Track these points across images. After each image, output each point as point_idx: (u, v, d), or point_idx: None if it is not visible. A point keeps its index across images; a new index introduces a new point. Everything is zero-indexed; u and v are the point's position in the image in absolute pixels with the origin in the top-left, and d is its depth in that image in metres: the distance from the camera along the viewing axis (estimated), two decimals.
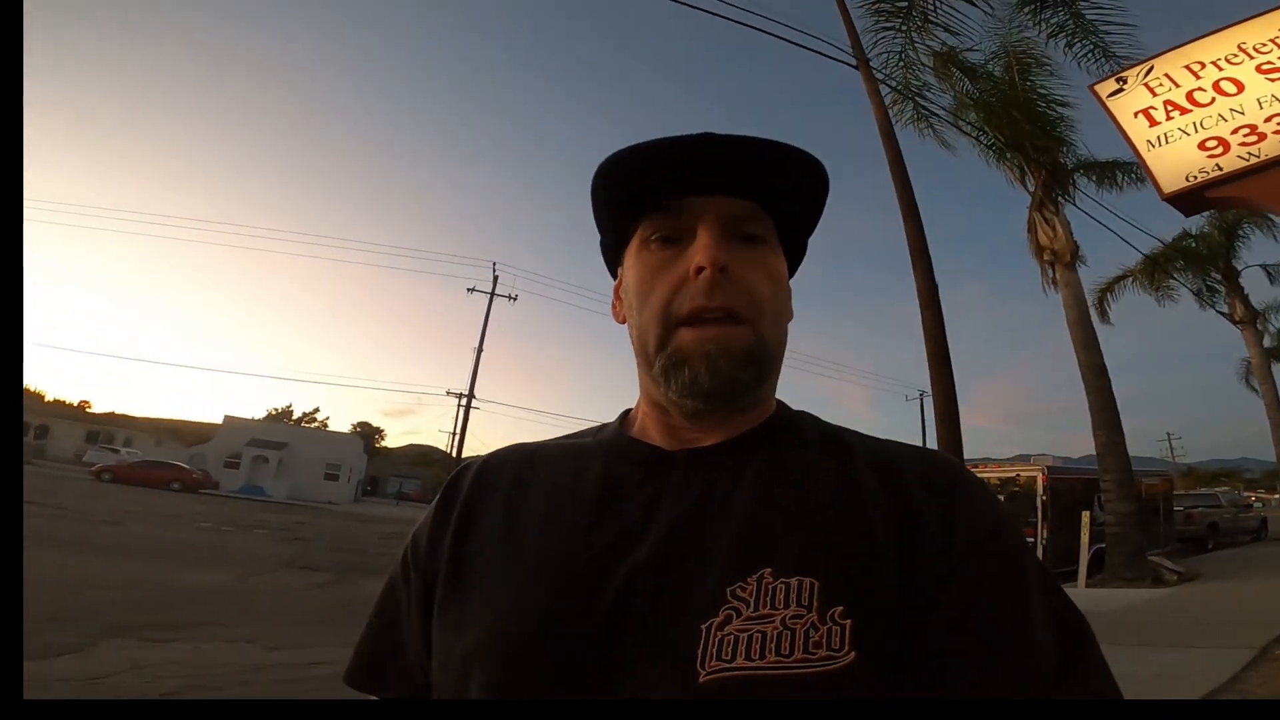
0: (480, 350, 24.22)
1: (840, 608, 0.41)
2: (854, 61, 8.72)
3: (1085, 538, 8.94)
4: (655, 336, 0.51)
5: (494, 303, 24.97)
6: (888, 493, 0.47)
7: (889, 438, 0.55)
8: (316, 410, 55.61)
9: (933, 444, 7.11)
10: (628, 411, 0.61)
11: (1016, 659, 0.40)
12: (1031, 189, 10.46)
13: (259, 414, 47.54)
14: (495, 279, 25.20)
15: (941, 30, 8.48)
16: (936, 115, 9.54)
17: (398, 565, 0.57)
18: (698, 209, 0.51)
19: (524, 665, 0.43)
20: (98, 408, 51.28)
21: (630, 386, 0.60)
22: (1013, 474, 11.19)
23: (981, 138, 9.93)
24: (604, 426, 0.62)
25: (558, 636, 0.44)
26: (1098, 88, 6.38)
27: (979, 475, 0.49)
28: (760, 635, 0.40)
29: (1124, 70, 6.12)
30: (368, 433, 53.25)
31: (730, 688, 0.39)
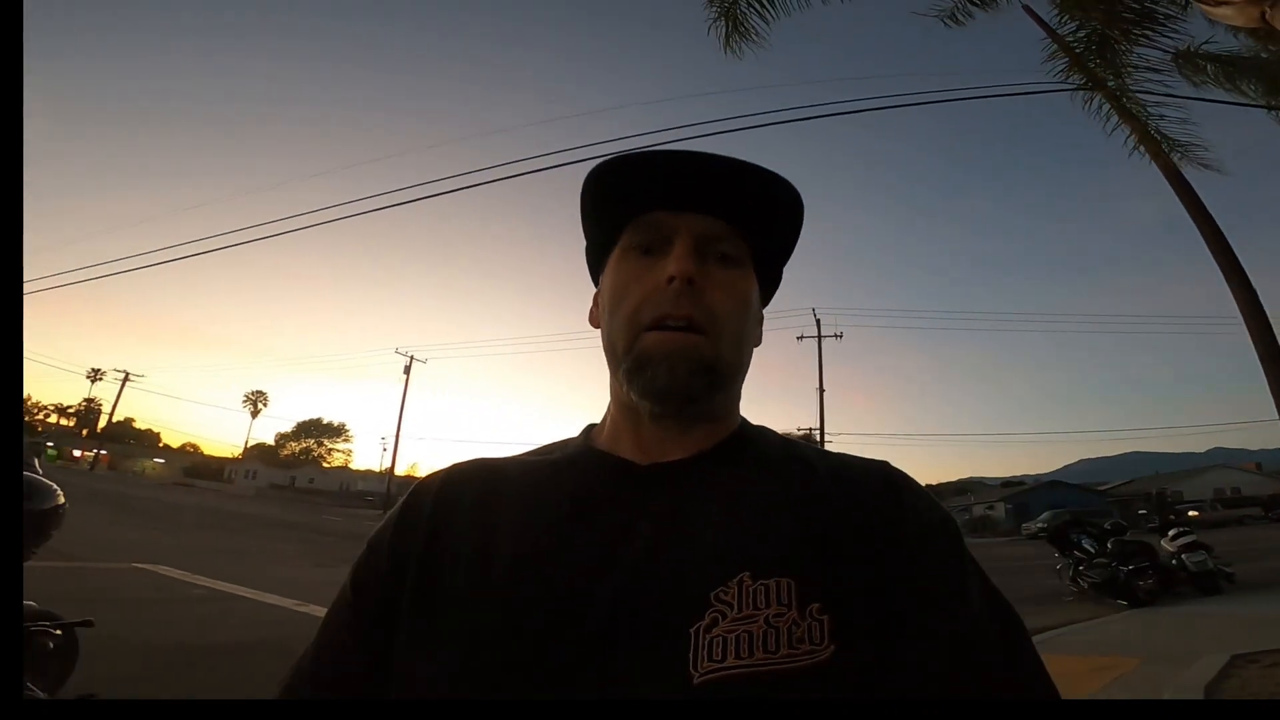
0: (821, 390, 28.44)
1: (817, 604, 0.43)
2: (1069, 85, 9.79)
3: None
4: (624, 340, 0.53)
5: (823, 344, 29.17)
6: (845, 498, 0.51)
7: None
8: None
9: None
10: (592, 426, 0.62)
11: (962, 648, 0.45)
12: None
13: None
14: (818, 323, 29.53)
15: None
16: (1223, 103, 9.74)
17: (350, 577, 0.55)
18: (677, 223, 0.53)
19: (519, 684, 0.43)
20: None
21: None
22: None
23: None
24: (569, 441, 0.61)
25: (551, 654, 0.44)
26: None
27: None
28: (747, 635, 0.42)
29: None
30: None
31: (725, 686, 0.41)
